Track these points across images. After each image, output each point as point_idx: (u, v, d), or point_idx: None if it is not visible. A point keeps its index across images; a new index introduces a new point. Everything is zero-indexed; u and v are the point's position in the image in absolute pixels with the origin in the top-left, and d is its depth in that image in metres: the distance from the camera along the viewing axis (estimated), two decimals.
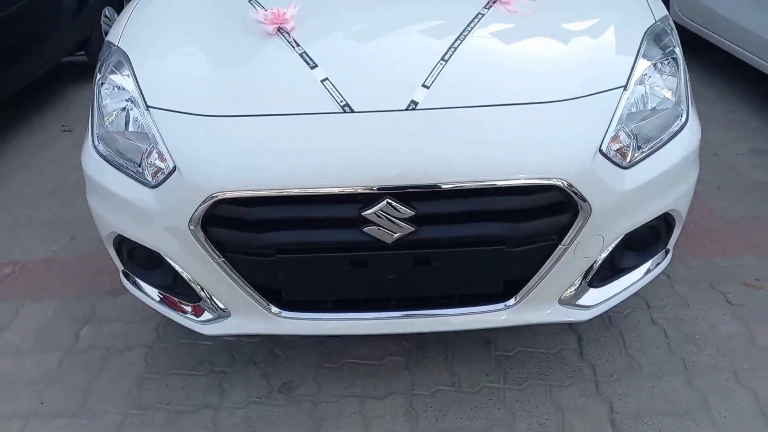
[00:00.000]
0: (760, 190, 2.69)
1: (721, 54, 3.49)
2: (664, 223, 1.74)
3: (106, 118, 1.70)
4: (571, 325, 2.04)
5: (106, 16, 4.27)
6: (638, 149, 1.59)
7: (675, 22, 3.84)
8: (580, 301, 1.70)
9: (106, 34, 4.33)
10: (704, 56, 3.81)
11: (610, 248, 1.64)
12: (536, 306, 1.66)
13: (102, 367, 1.98)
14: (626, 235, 1.65)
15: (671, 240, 1.81)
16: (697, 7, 3.59)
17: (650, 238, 1.77)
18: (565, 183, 1.46)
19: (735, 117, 3.32)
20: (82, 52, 4.14)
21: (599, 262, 1.66)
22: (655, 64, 1.68)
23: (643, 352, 1.94)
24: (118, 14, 4.44)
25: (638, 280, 1.78)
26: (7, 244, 2.61)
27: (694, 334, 2.00)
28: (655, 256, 1.81)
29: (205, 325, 1.72)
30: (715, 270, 2.27)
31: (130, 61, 1.73)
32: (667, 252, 1.84)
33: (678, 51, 1.75)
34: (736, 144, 3.05)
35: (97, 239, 1.82)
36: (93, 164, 1.70)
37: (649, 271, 1.81)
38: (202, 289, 1.66)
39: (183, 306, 1.75)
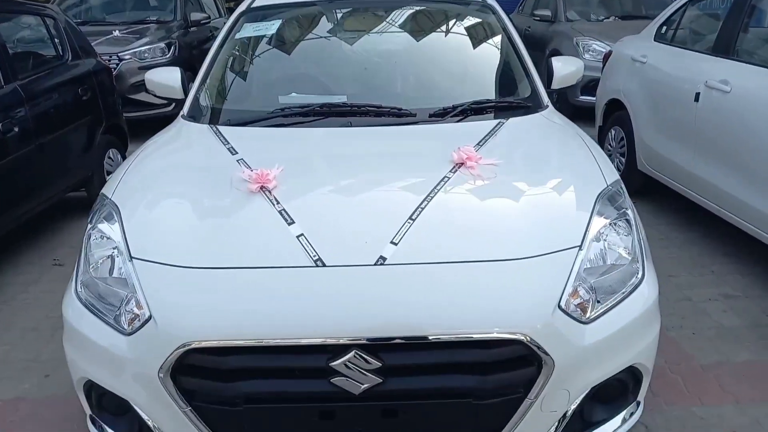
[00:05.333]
0: (732, 336, 2.75)
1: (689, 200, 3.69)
2: (631, 376, 1.77)
3: (91, 266, 1.78)
4: None
5: (109, 158, 4.52)
6: (598, 303, 1.67)
7: (641, 172, 4.13)
8: None
9: (108, 173, 4.58)
10: (674, 201, 4.03)
11: (578, 401, 1.66)
12: None
13: None
14: (593, 388, 1.67)
15: (641, 392, 1.83)
16: (659, 159, 3.87)
17: (619, 391, 1.79)
18: (527, 338, 1.52)
19: (704, 261, 3.44)
20: (83, 189, 4.32)
21: (569, 416, 1.66)
22: (610, 223, 1.81)
23: None
24: (122, 155, 4.74)
25: None
26: None
27: None
28: (627, 408, 1.82)
29: None
30: (693, 420, 2.25)
31: (120, 214, 1.84)
32: (638, 404, 1.85)
33: (630, 212, 1.89)
34: (707, 289, 3.14)
35: (70, 379, 1.82)
36: (72, 310, 1.75)
37: (623, 422, 1.81)
38: None
39: None
